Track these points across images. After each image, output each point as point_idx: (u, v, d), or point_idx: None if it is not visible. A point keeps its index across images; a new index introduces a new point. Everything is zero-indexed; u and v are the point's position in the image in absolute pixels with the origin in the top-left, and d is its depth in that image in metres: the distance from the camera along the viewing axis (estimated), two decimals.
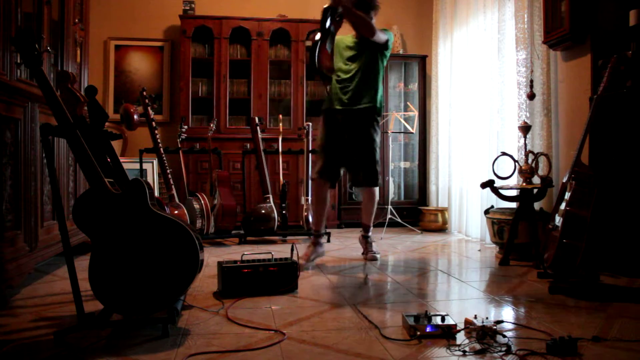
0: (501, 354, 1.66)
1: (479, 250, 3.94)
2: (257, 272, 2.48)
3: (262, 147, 4.45)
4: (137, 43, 5.42)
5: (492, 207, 3.71)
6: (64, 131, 1.91)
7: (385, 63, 3.38)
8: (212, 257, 3.51)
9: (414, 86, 5.61)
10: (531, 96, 3.58)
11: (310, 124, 4.64)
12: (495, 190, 3.43)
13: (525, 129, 3.46)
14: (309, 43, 3.13)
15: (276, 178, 4.78)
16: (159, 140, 3.99)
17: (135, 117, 2.89)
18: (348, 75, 3.30)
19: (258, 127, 4.45)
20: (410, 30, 5.85)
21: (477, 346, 1.72)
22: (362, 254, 3.56)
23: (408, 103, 5.32)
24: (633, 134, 2.82)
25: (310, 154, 4.51)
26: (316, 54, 3.00)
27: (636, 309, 2.22)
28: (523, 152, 3.48)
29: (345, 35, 3.38)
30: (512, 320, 2.07)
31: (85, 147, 1.91)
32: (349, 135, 3.29)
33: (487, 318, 1.89)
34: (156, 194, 4.78)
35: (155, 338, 1.83)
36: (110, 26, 5.35)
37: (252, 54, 5.25)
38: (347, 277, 2.93)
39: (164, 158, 3.99)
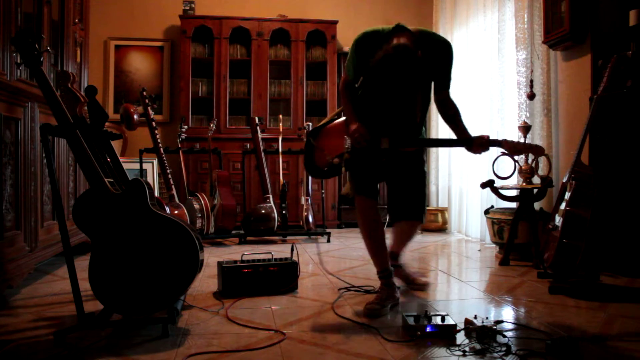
0: (501, 354, 1.66)
1: (479, 250, 3.94)
2: (257, 272, 2.48)
3: (262, 147, 4.45)
4: (137, 43, 5.42)
5: (492, 207, 3.71)
6: (64, 131, 1.91)
7: None
8: (212, 257, 3.51)
9: None
10: (531, 96, 3.58)
11: (310, 123, 4.63)
12: (495, 190, 3.43)
13: (525, 129, 3.46)
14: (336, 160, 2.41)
15: (276, 178, 4.77)
16: (159, 140, 3.99)
17: (135, 117, 2.89)
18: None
19: (258, 127, 4.45)
20: None
21: (477, 346, 1.72)
22: (409, 284, 2.66)
23: None
24: (633, 134, 2.82)
25: None
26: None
27: (636, 309, 2.22)
28: None
29: None
30: (512, 320, 2.07)
31: (85, 147, 1.91)
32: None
33: (487, 318, 1.89)
34: (156, 194, 4.78)
35: (155, 338, 1.83)
36: (110, 26, 5.35)
37: (252, 54, 5.25)
38: (347, 277, 2.93)
39: (164, 158, 3.99)
